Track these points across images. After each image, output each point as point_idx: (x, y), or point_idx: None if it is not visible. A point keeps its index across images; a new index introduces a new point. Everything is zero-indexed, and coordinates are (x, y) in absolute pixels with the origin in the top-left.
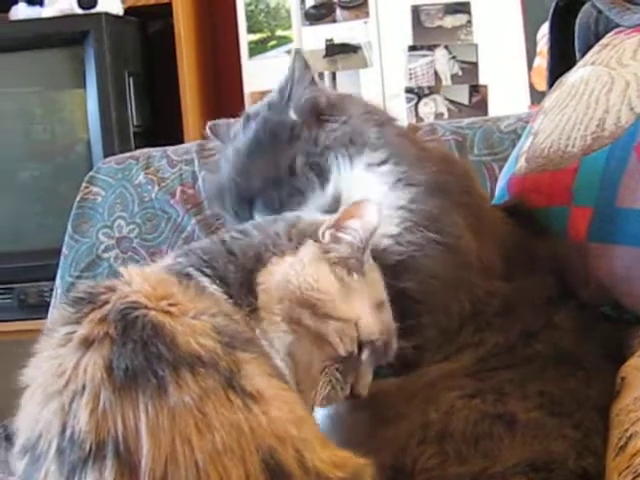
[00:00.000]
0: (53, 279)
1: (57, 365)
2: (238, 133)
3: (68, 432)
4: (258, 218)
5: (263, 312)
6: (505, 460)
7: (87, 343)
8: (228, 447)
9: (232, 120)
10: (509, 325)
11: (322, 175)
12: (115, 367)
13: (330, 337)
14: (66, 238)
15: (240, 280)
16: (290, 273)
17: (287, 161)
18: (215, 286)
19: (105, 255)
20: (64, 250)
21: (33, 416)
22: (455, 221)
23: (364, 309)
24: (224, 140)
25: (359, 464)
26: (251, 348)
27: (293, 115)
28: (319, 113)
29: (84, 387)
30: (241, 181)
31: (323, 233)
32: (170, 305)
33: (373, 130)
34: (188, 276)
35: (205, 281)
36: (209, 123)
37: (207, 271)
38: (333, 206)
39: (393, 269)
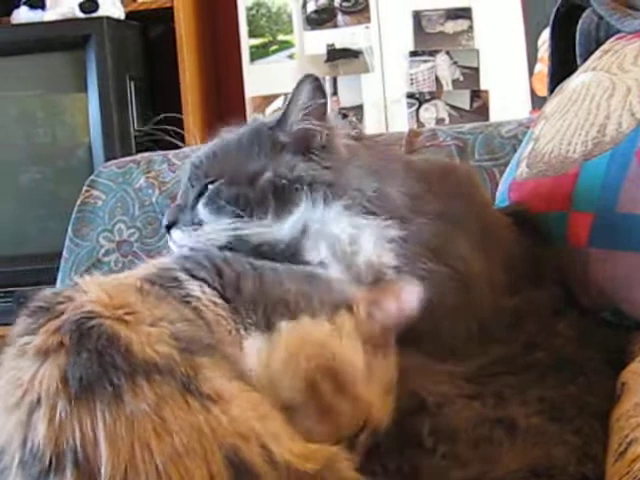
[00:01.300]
0: (54, 283)
1: (15, 377)
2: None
3: (29, 445)
4: (201, 207)
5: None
6: (505, 465)
7: (42, 354)
8: (189, 448)
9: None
10: (514, 337)
11: (282, 202)
12: (70, 377)
13: (340, 417)
14: (67, 242)
15: (256, 299)
16: (326, 339)
17: (254, 168)
18: (206, 289)
19: (105, 259)
20: (64, 254)
21: None
22: (460, 246)
23: (378, 395)
24: None
25: (330, 453)
26: (211, 352)
27: (283, 136)
28: (308, 147)
29: (39, 399)
30: (205, 163)
31: (358, 307)
32: (126, 314)
33: (369, 187)
34: (175, 279)
35: (193, 284)
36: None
37: (202, 275)
38: (298, 238)
39: None
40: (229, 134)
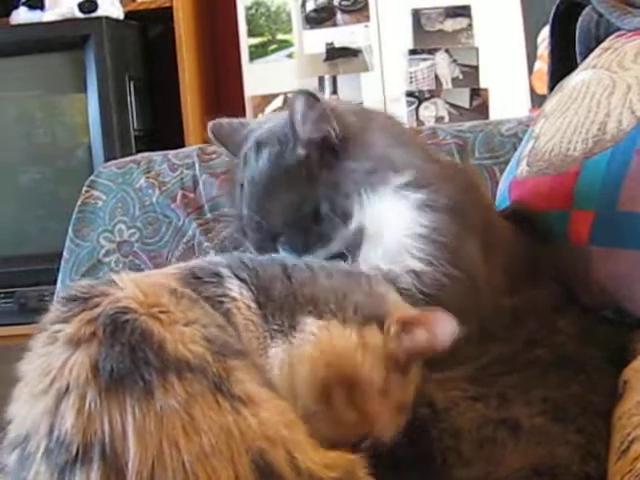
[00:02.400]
0: (54, 283)
1: (44, 363)
2: (249, 159)
3: (55, 433)
4: (283, 253)
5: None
6: (509, 465)
7: (74, 342)
8: (216, 449)
9: (234, 120)
10: (513, 336)
11: (347, 217)
12: (101, 368)
13: (345, 427)
14: (67, 242)
15: (284, 303)
16: (350, 351)
17: (310, 206)
18: (244, 291)
19: (106, 259)
20: (65, 254)
21: (22, 414)
22: (470, 249)
23: (389, 412)
24: (230, 149)
25: (350, 461)
26: (242, 357)
27: (301, 151)
28: (333, 150)
29: (68, 387)
30: (262, 220)
31: (390, 326)
32: (161, 312)
33: (396, 153)
34: (216, 275)
35: (233, 284)
36: (210, 123)
37: (243, 276)
38: (357, 239)
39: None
40: (248, 170)
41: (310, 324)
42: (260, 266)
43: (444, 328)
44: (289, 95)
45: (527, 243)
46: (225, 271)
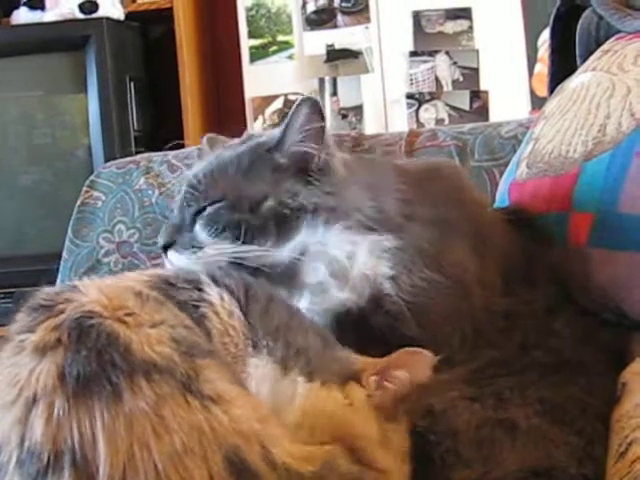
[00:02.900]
0: (53, 284)
1: (12, 374)
2: (232, 145)
3: (26, 443)
4: (200, 228)
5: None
6: (507, 466)
7: (40, 350)
8: (188, 448)
9: (232, 140)
10: (508, 339)
11: (283, 229)
12: (67, 374)
13: None
14: (66, 242)
15: (279, 331)
16: (339, 411)
17: (255, 194)
18: (225, 296)
19: (105, 260)
20: (64, 254)
21: None
22: (455, 251)
23: (395, 463)
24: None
25: (327, 453)
26: (212, 357)
27: (281, 158)
28: (306, 169)
29: (36, 395)
30: (204, 183)
31: (368, 379)
32: (126, 315)
33: (367, 206)
34: (193, 281)
35: (212, 289)
36: (207, 135)
37: (228, 282)
38: (297, 261)
39: (395, 316)
40: (225, 152)
41: (301, 383)
42: (254, 283)
43: (421, 361)
44: (294, 97)
45: (524, 245)
46: (204, 277)
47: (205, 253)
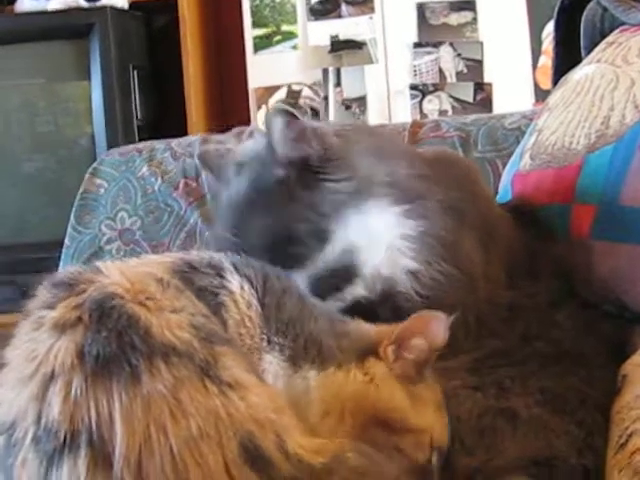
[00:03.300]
0: (55, 271)
1: (30, 349)
2: (229, 181)
3: (43, 420)
4: None
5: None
6: (508, 454)
7: (59, 328)
8: (204, 433)
9: (221, 147)
10: (510, 330)
11: (324, 239)
12: (87, 353)
13: (407, 450)
14: (69, 229)
15: (292, 324)
16: (362, 390)
17: (287, 228)
18: (246, 286)
19: (107, 247)
20: (66, 242)
21: (8, 400)
22: (466, 245)
23: (432, 416)
24: (215, 174)
25: (338, 446)
26: (229, 345)
27: (280, 171)
28: (312, 170)
29: (54, 372)
30: (238, 239)
31: (385, 351)
32: (147, 299)
33: (380, 172)
34: (215, 267)
35: (233, 278)
36: (198, 152)
37: (248, 273)
38: (343, 259)
39: (407, 312)
40: (231, 192)
41: (314, 375)
42: (272, 273)
43: (436, 326)
44: (298, 87)
45: (527, 238)
46: (227, 265)
47: None
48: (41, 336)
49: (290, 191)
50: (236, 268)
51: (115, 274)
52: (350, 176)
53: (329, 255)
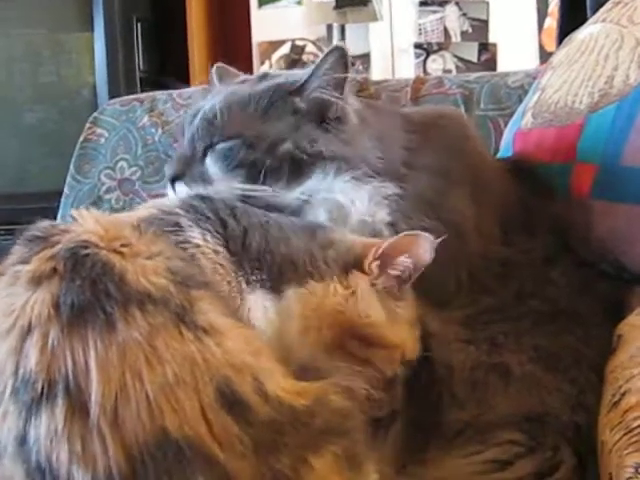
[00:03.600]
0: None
1: (7, 303)
2: (247, 80)
3: (20, 372)
4: (212, 163)
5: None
6: (499, 410)
7: (35, 280)
8: (180, 379)
9: (241, 73)
10: (504, 286)
11: (296, 173)
12: (62, 303)
13: (378, 363)
14: (68, 178)
15: (262, 258)
16: (341, 304)
17: (273, 135)
18: (209, 237)
19: (107, 196)
20: (65, 190)
21: None
22: (454, 198)
23: (406, 333)
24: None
25: (320, 388)
26: (207, 289)
27: (301, 103)
28: (324, 117)
29: (30, 324)
30: (220, 118)
31: (370, 266)
32: (122, 246)
33: (374, 155)
34: (176, 224)
35: (194, 231)
36: (216, 65)
37: (205, 226)
38: (302, 205)
39: None
40: (242, 88)
41: (291, 292)
42: (229, 217)
43: (422, 244)
44: (302, 43)
45: (524, 194)
46: (184, 220)
47: (214, 188)
48: (17, 290)
49: (299, 120)
50: (194, 222)
51: (89, 222)
52: (350, 145)
53: (292, 196)
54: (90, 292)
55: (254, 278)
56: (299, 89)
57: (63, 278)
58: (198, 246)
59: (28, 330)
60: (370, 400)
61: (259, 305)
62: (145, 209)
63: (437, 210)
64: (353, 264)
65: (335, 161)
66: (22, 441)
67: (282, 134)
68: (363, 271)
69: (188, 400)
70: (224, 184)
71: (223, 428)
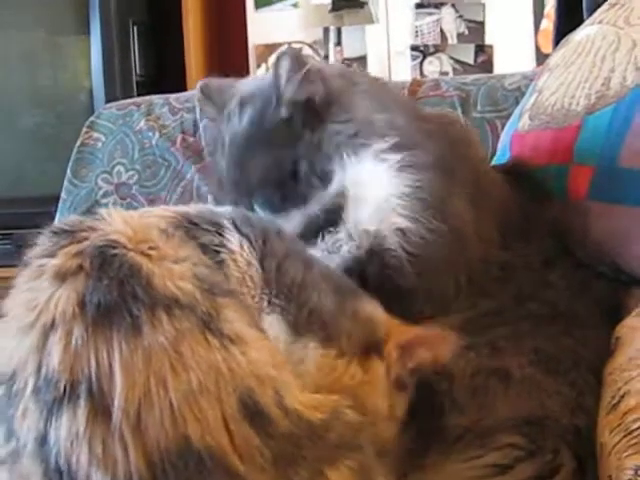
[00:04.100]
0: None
1: (30, 298)
2: (233, 116)
3: (43, 370)
4: (258, 211)
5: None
6: (499, 414)
7: (61, 276)
8: (204, 387)
9: (224, 80)
10: (503, 290)
11: (326, 178)
12: (88, 302)
13: None
14: (65, 183)
15: (293, 289)
16: (355, 389)
17: (289, 165)
18: (245, 245)
19: (104, 201)
20: (63, 195)
21: (8, 350)
22: (456, 203)
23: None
24: (217, 106)
25: (335, 402)
26: (232, 297)
27: (284, 111)
28: (316, 111)
29: (54, 321)
30: (239, 175)
31: (390, 352)
32: (150, 249)
33: (380, 117)
34: (216, 224)
35: (233, 236)
36: (200, 82)
37: (247, 231)
38: (337, 202)
39: (394, 268)
40: (233, 127)
41: (315, 349)
42: (274, 235)
43: (446, 344)
44: (299, 46)
45: (522, 198)
46: (227, 222)
47: None
48: (42, 285)
49: (293, 131)
50: (235, 226)
51: (118, 222)
52: (350, 118)
53: (324, 196)
54: (117, 293)
55: (277, 302)
56: (277, 102)
57: (90, 276)
58: (232, 252)
59: (51, 327)
60: None
61: (273, 329)
62: (196, 205)
63: (443, 212)
64: (374, 347)
65: (348, 146)
66: (42, 441)
67: (292, 158)
68: (382, 356)
69: (211, 409)
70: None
71: (244, 440)
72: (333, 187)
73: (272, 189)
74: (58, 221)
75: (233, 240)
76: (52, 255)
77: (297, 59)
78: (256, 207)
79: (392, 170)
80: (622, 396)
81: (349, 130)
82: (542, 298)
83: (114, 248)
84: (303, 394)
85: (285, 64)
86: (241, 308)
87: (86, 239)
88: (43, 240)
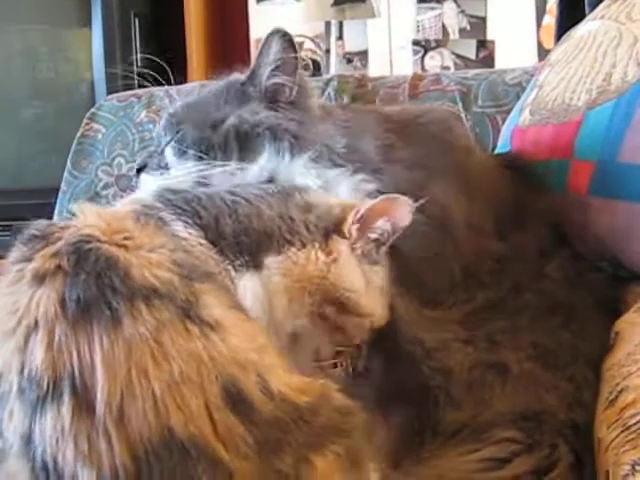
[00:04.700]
0: (52, 218)
1: (11, 302)
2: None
3: (26, 371)
4: (168, 151)
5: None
6: (496, 409)
7: (39, 278)
8: (186, 376)
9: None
10: (500, 281)
11: (245, 148)
12: (67, 299)
13: (349, 331)
14: (65, 174)
15: (239, 240)
16: (323, 271)
17: (219, 114)
18: (191, 230)
19: (104, 192)
20: (63, 186)
21: None
22: (435, 191)
23: (377, 301)
24: None
25: (323, 386)
26: (210, 280)
27: (252, 91)
28: (277, 101)
29: (37, 322)
30: (179, 113)
31: (350, 229)
32: (125, 239)
33: (340, 143)
34: (160, 219)
35: (178, 225)
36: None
37: (184, 218)
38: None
39: None
40: (206, 88)
41: (272, 262)
42: (199, 206)
43: (401, 208)
44: (300, 39)
45: (516, 190)
46: (166, 214)
47: (170, 174)
48: (22, 288)
49: (249, 101)
50: (174, 215)
51: (91, 216)
52: (301, 125)
53: (249, 176)
54: (95, 287)
55: (238, 263)
56: (250, 78)
57: (67, 274)
58: (185, 239)
59: (34, 328)
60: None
61: (248, 288)
62: (127, 205)
63: (422, 206)
64: (333, 228)
65: (283, 135)
66: (28, 439)
67: (227, 113)
68: (343, 235)
69: (194, 398)
70: (179, 168)
71: (228, 428)
72: (261, 171)
73: (194, 130)
74: (56, 214)
75: (180, 228)
76: (29, 259)
77: (289, 43)
78: (168, 147)
79: (354, 181)
80: (620, 391)
81: (291, 127)
82: (539, 289)
83: (88, 242)
84: (290, 376)
85: (277, 42)
86: (220, 290)
87: (60, 239)
88: (18, 247)
